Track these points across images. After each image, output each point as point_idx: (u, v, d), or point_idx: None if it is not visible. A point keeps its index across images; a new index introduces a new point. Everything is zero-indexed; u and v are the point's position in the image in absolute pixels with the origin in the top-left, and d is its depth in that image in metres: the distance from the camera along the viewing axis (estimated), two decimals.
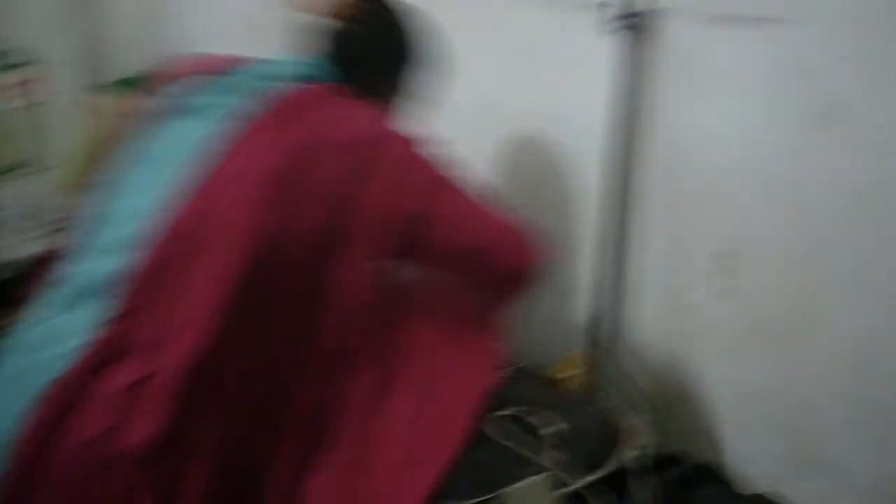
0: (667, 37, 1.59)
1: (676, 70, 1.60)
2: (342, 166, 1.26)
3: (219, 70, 1.42)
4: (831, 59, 1.42)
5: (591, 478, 1.29)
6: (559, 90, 1.76)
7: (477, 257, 1.38)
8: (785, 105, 1.49)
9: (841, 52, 1.40)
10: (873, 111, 1.39)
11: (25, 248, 2.15)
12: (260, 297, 1.19)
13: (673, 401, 1.72)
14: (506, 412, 1.39)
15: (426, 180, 1.35)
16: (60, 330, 1.21)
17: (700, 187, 1.62)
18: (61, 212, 2.33)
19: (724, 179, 1.59)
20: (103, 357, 1.16)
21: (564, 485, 1.28)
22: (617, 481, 1.31)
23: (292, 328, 1.22)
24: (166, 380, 1.13)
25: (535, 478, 1.27)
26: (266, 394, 1.20)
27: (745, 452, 1.63)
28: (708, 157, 1.60)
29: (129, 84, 2.44)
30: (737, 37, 1.51)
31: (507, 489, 1.24)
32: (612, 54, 1.64)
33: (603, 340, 1.75)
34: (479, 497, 1.26)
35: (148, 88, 1.53)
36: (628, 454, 1.34)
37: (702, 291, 1.64)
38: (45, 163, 2.55)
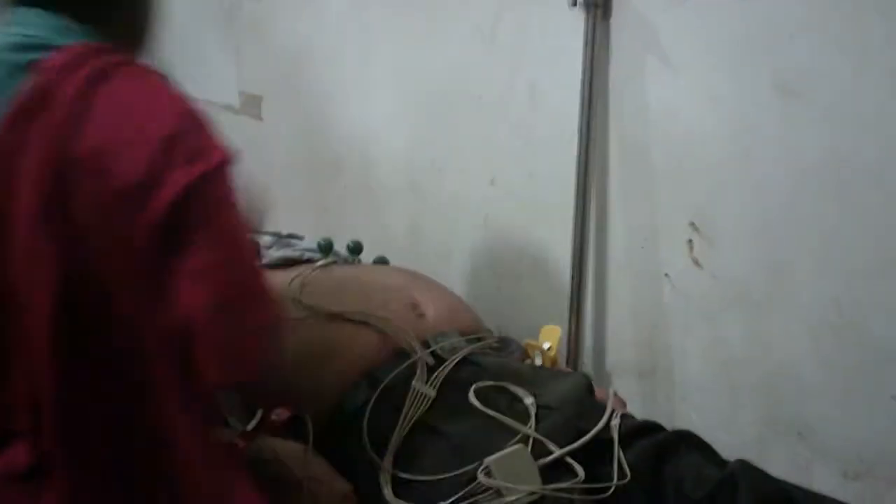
0: (630, 11, 1.60)
1: (642, 44, 1.60)
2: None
3: None
4: (791, 29, 1.42)
5: (573, 446, 1.29)
6: (529, 66, 1.76)
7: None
8: (748, 77, 1.49)
9: (800, 22, 1.41)
10: (834, 81, 1.40)
11: None
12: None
13: (651, 370, 1.74)
14: (488, 382, 1.39)
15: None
16: None
17: (672, 160, 1.63)
18: None
19: (695, 151, 1.60)
20: None
21: (546, 454, 1.28)
22: (598, 450, 1.31)
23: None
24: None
25: (517, 447, 1.27)
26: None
27: (723, 419, 1.65)
28: (677, 130, 1.61)
29: None
30: (698, 9, 1.51)
31: (490, 458, 1.24)
32: (575, 31, 1.64)
33: (573, 314, 1.76)
34: (462, 467, 1.25)
35: None
36: (600, 426, 1.34)
37: (678, 262, 1.65)
38: None
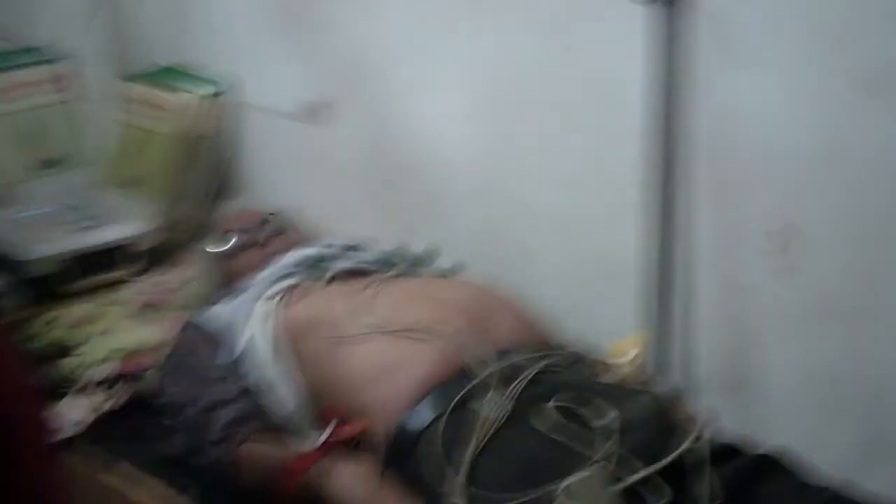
0: (709, 3, 1.51)
1: (715, 41, 1.52)
2: None
3: None
4: (882, 20, 1.33)
5: (646, 471, 1.21)
6: (596, 65, 1.69)
7: None
8: (829, 72, 1.41)
9: (892, 12, 1.32)
10: None
11: (64, 243, 2.11)
12: None
13: (731, 387, 1.65)
14: (555, 403, 1.32)
15: None
16: None
17: (749, 162, 1.54)
18: (99, 207, 2.30)
19: (774, 153, 1.51)
20: None
21: (619, 480, 1.20)
22: (674, 474, 1.23)
23: None
24: None
25: (587, 473, 1.19)
26: None
27: (810, 440, 1.54)
28: (754, 131, 1.52)
29: (156, 76, 2.41)
30: (781, 0, 1.43)
31: (558, 486, 1.16)
32: (648, 27, 1.56)
33: (656, 324, 1.67)
34: (526, 494, 1.19)
35: None
36: (686, 445, 1.25)
37: (758, 271, 1.56)
38: (81, 158, 2.53)
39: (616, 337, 1.65)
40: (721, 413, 1.57)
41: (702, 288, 1.66)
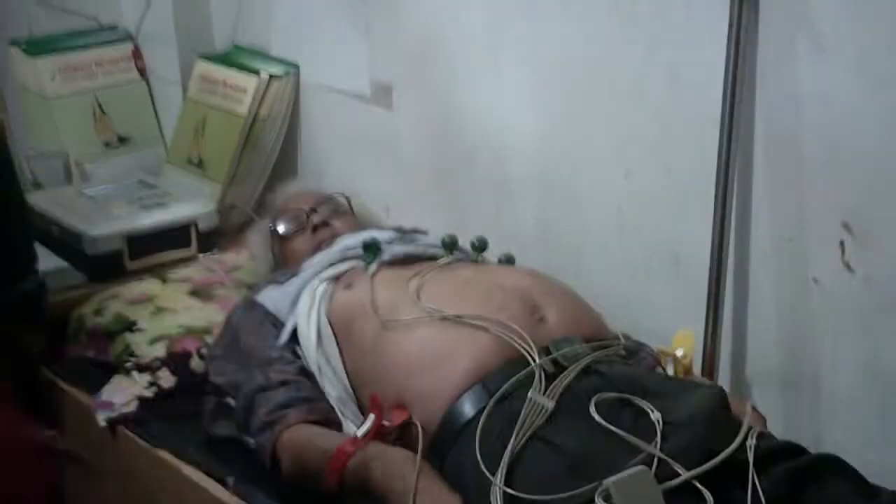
0: None
1: (793, 22, 1.47)
2: None
3: None
4: None
5: (702, 469, 1.18)
6: (664, 51, 1.64)
7: None
8: None
9: None
10: None
11: (136, 219, 2.15)
12: None
13: (787, 385, 1.60)
14: (611, 394, 1.29)
15: None
16: None
17: (824, 151, 1.49)
18: (164, 185, 2.34)
19: (850, 142, 1.45)
20: None
21: (672, 476, 1.17)
22: (731, 474, 1.19)
23: None
24: None
25: (639, 468, 1.16)
26: None
27: (874, 440, 1.50)
28: (831, 118, 1.47)
29: (226, 56, 2.42)
30: None
31: (609, 480, 1.14)
32: (721, 12, 1.51)
33: (710, 319, 1.63)
34: (579, 487, 1.16)
35: None
36: (745, 443, 1.22)
37: (828, 264, 1.51)
38: (151, 136, 2.57)
39: (670, 332, 1.62)
40: (776, 412, 1.53)
41: (761, 282, 1.61)
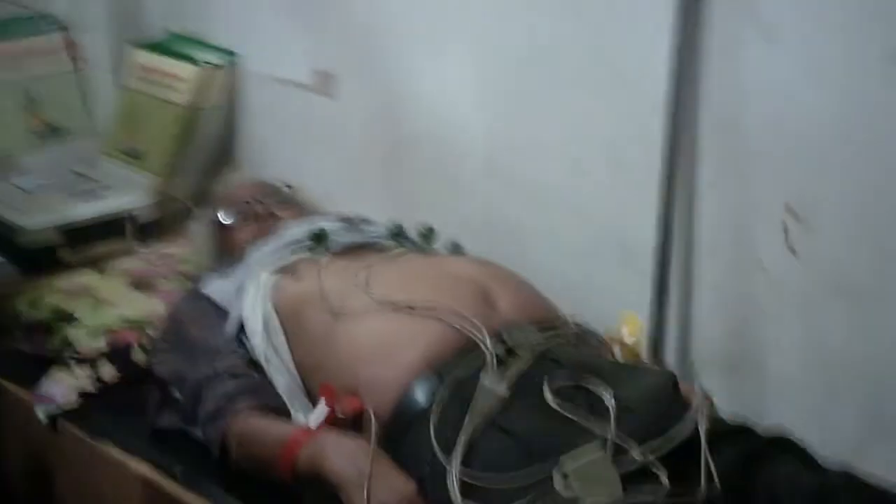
0: None
1: (738, 11, 1.49)
2: None
3: None
4: None
5: (655, 451, 1.19)
6: (613, 41, 1.65)
7: None
8: (857, 47, 1.37)
9: None
10: None
11: (72, 211, 2.10)
12: None
13: (741, 366, 1.62)
14: (557, 382, 1.29)
15: None
16: None
17: (769, 138, 1.51)
18: (101, 176, 2.29)
19: (794, 129, 1.47)
20: None
21: (627, 458, 1.18)
22: (684, 454, 1.21)
23: None
24: None
25: (596, 451, 1.17)
26: None
27: (818, 418, 1.53)
28: (776, 105, 1.49)
29: (163, 44, 2.38)
30: None
31: (566, 464, 1.15)
32: (669, 2, 1.53)
33: (657, 304, 1.65)
34: (534, 470, 1.17)
35: None
36: (696, 424, 1.23)
37: (772, 248, 1.53)
38: (86, 126, 2.51)
39: (617, 317, 1.63)
40: (722, 394, 1.55)
41: (706, 267, 1.64)
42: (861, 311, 1.46)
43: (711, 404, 1.41)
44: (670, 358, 1.68)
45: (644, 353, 1.64)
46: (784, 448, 1.24)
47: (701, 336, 1.66)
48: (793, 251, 1.52)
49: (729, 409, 1.52)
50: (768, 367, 1.59)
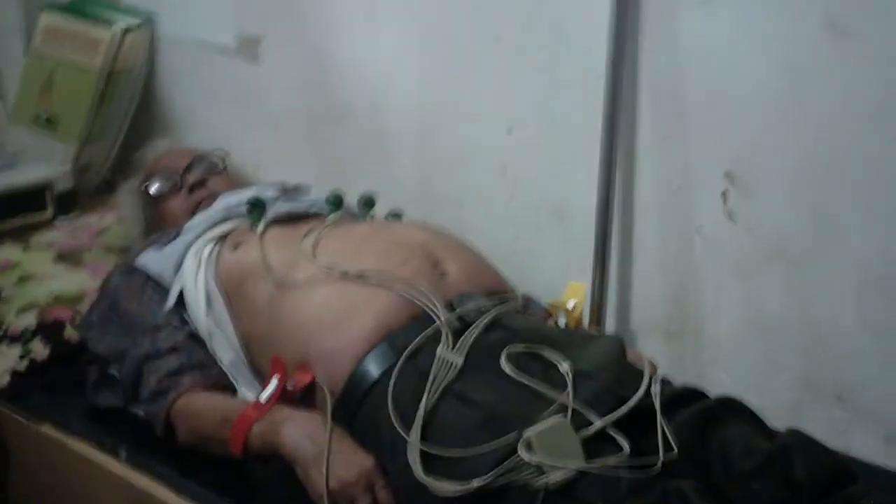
0: None
1: None
2: None
3: None
4: None
5: (615, 415, 1.20)
6: (556, 4, 1.65)
7: None
8: (794, 13, 1.39)
9: None
10: (891, 19, 1.30)
11: None
12: None
13: (681, 331, 1.65)
14: (520, 347, 1.29)
15: None
16: None
17: (707, 104, 1.53)
18: (11, 146, 2.19)
19: (733, 95, 1.50)
20: None
21: (586, 424, 1.19)
22: (639, 419, 1.22)
23: None
24: None
25: (558, 419, 1.17)
26: None
27: (756, 382, 1.57)
28: (714, 71, 1.51)
29: (74, 6, 2.28)
30: None
31: (529, 432, 1.15)
32: None
33: (597, 271, 1.66)
34: (496, 440, 1.16)
35: None
36: (641, 392, 1.24)
37: (711, 214, 1.56)
38: None
39: (557, 284, 1.64)
40: (661, 359, 1.58)
41: (646, 233, 1.65)
42: (798, 275, 1.50)
43: (655, 368, 1.43)
44: (610, 324, 1.70)
45: (586, 320, 1.65)
46: (735, 411, 1.25)
47: (640, 302, 1.68)
48: (730, 217, 1.54)
49: (668, 374, 1.55)
50: (706, 333, 1.62)
